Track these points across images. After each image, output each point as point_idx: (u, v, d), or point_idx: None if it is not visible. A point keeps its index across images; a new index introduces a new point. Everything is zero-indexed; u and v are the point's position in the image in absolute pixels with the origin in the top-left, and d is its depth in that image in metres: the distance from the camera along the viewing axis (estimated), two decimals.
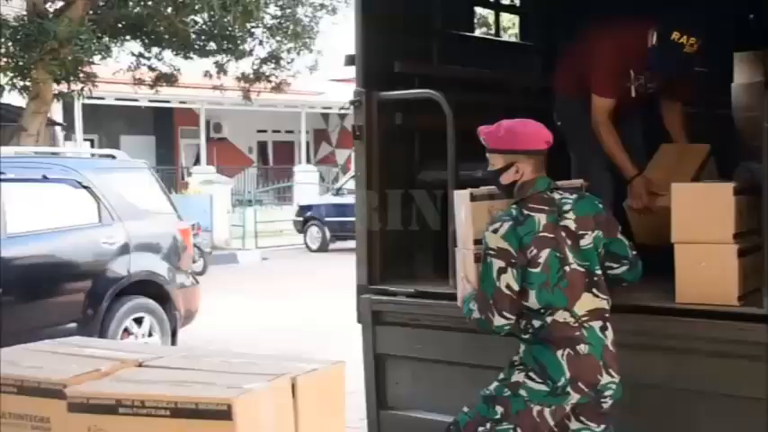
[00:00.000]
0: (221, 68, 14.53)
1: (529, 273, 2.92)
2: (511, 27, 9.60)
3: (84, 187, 6.51)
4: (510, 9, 5.72)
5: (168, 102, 20.98)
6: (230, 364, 2.12)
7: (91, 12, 12.03)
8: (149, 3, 12.37)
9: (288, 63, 14.85)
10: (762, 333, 3.10)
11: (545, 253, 2.93)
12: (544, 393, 2.90)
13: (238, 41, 14.24)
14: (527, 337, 2.98)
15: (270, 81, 15.01)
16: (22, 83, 11.26)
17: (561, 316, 2.93)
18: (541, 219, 2.96)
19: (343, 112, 25.83)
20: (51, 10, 11.69)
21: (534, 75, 5.02)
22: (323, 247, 17.58)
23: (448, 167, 3.73)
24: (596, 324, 2.93)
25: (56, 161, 6.84)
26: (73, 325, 6.14)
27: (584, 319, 2.91)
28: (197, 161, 22.82)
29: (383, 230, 4.01)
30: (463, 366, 3.73)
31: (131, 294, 6.64)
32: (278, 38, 14.38)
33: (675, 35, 3.67)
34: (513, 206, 3.03)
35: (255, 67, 14.81)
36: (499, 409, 2.96)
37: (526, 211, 2.98)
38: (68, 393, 1.93)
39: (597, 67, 3.91)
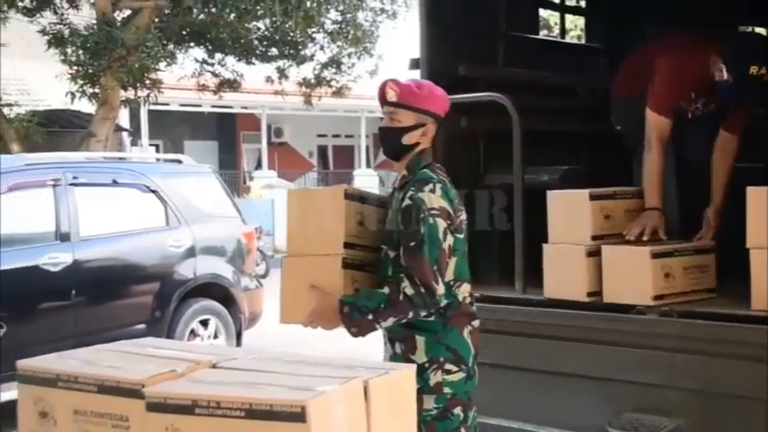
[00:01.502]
0: (283, 74, 14.67)
1: (456, 239, 2.78)
2: (572, 29, 9.50)
3: (152, 191, 6.64)
4: (575, 10, 5.66)
5: (231, 107, 21.27)
6: (302, 366, 2.13)
7: (157, 20, 12.27)
8: (213, 10, 12.55)
9: (348, 68, 14.93)
10: None
11: (463, 218, 2.85)
12: (464, 380, 2.79)
13: (299, 47, 14.37)
14: (432, 319, 2.75)
15: (331, 86, 15.11)
16: (91, 90, 11.52)
17: (466, 289, 2.85)
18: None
19: None
20: (119, 19, 11.95)
21: (600, 77, 4.96)
22: None
23: (514, 171, 3.71)
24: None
25: (125, 166, 6.98)
26: (142, 326, 6.27)
27: (474, 293, 2.87)
28: (258, 165, 23.08)
29: None
30: (529, 372, 3.70)
31: (197, 297, 6.75)
32: (339, 43, 14.47)
33: (754, 69, 3.52)
34: (426, 170, 2.84)
35: (316, 72, 14.93)
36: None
37: (441, 176, 2.87)
38: (146, 393, 1.96)
39: (658, 82, 3.76)
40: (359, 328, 2.73)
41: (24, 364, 2.16)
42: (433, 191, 2.76)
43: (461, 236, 2.81)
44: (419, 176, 2.82)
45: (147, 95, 12.23)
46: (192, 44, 14.11)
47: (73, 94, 11.45)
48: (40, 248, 5.83)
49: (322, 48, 14.75)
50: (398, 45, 20.69)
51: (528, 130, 3.70)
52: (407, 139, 2.86)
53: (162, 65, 12.25)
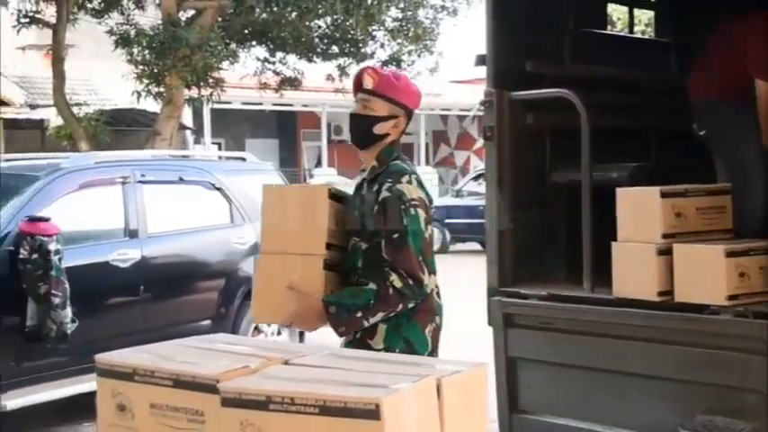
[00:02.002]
0: (343, 71, 14.73)
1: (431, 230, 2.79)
2: (636, 23, 9.33)
3: (217, 189, 6.72)
4: (645, 4, 5.56)
5: (291, 105, 21.44)
6: (374, 364, 2.13)
7: (220, 19, 12.43)
8: (275, 9, 12.67)
9: (408, 65, 14.92)
10: None
11: (433, 211, 2.84)
12: None
13: (360, 44, 14.42)
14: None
15: None
16: (156, 89, 11.74)
17: (434, 282, 2.81)
18: None
19: (462, 113, 25.79)
20: (183, 19, 12.14)
21: (670, 73, 4.86)
22: (443, 249, 17.58)
23: (582, 168, 3.66)
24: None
25: (190, 164, 7.08)
26: (207, 323, 6.35)
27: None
28: (318, 163, 23.25)
29: (514, 232, 3.97)
30: (597, 372, 3.65)
31: None
32: (399, 40, 14.47)
33: None
34: (399, 162, 2.83)
35: None
36: None
37: (413, 167, 2.85)
38: (221, 388, 1.98)
39: (761, 49, 3.62)
40: (347, 326, 2.72)
41: (102, 358, 2.21)
42: (410, 182, 2.76)
43: (431, 231, 2.81)
44: (393, 168, 2.81)
45: (210, 94, 12.41)
46: (253, 43, 14.26)
47: (139, 93, 11.68)
48: (110, 245, 5.94)
49: (382, 45, 14.77)
50: (458, 42, 20.65)
51: (596, 127, 3.65)
52: (379, 129, 2.83)
53: (224, 64, 12.40)
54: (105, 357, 2.21)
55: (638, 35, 7.00)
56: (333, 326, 2.72)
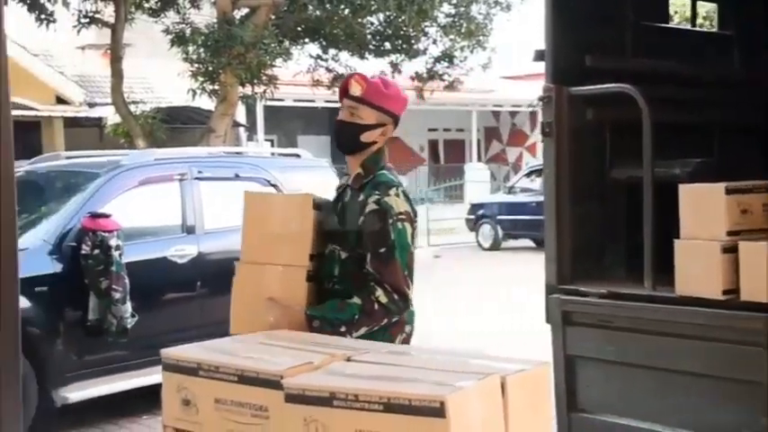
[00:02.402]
0: (396, 68, 14.73)
1: None
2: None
3: (272, 185, 6.76)
4: None
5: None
6: (436, 361, 2.12)
7: (273, 17, 12.52)
8: (328, 6, 12.72)
9: (461, 61, 14.86)
10: None
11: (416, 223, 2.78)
12: None
13: (412, 41, 14.40)
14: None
15: (443, 80, 15.07)
16: (211, 87, 11.86)
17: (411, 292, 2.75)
18: None
19: (513, 109, 25.61)
20: (238, 17, 12.25)
21: (732, 66, 4.76)
22: (495, 246, 17.50)
23: (644, 165, 3.60)
24: None
25: (246, 160, 7.14)
26: None
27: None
28: None
29: (573, 229, 3.93)
30: (658, 371, 3.59)
31: None
32: (451, 36, 14.42)
33: None
34: (385, 172, 2.77)
35: (429, 66, 14.92)
36: None
37: (398, 179, 2.79)
38: (285, 385, 1.98)
39: None
40: None
41: (168, 352, 2.23)
42: (397, 195, 2.71)
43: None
44: (381, 179, 2.75)
45: (264, 91, 12.50)
46: (306, 40, 14.33)
47: (194, 91, 11.82)
48: (168, 241, 6.03)
49: (435, 42, 14.73)
50: (511, 37, 20.50)
51: (657, 122, 3.59)
52: (366, 137, 2.76)
53: (278, 61, 12.48)
54: (170, 352, 2.24)
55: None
56: None
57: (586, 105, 3.95)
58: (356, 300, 2.65)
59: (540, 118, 4.00)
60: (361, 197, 2.73)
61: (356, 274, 2.70)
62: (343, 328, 2.64)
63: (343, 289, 2.73)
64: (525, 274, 12.34)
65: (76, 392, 5.38)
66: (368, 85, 2.75)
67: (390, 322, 2.71)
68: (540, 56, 3.96)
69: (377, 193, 2.70)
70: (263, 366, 2.08)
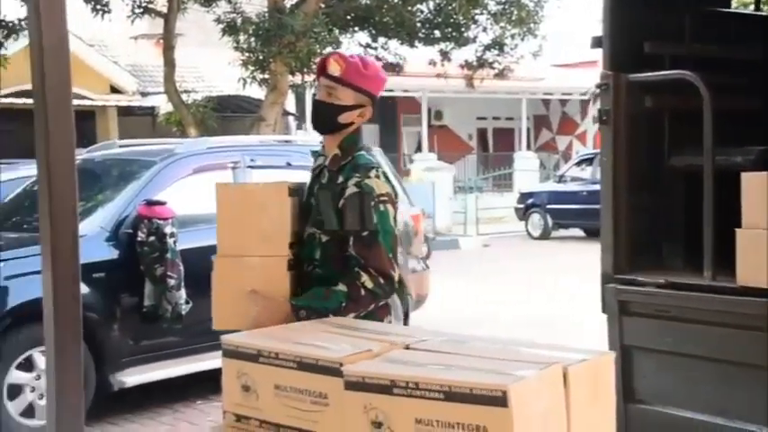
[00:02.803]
0: (445, 56, 14.66)
1: None
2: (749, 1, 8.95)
3: None
4: None
5: (392, 90, 21.47)
6: (496, 350, 2.11)
7: (323, 5, 12.54)
8: None
9: (511, 49, 14.74)
10: None
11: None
12: None
13: (462, 29, 14.32)
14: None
15: (493, 68, 14.97)
16: (261, 76, 11.94)
17: (397, 275, 2.70)
18: None
19: (564, 97, 25.34)
20: (288, 6, 12.30)
21: None
22: (544, 235, 17.37)
23: (704, 153, 3.53)
24: None
25: (297, 149, 7.15)
26: None
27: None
28: (418, 148, 23.24)
29: (630, 218, 3.87)
30: (716, 362, 3.53)
31: None
32: (502, 24, 14.31)
33: None
34: (364, 153, 2.71)
35: (479, 54, 14.83)
36: None
37: (377, 159, 2.73)
38: (345, 372, 1.98)
39: None
40: None
41: (228, 339, 2.25)
42: (378, 176, 2.65)
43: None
44: (361, 161, 2.68)
45: (314, 80, 12.53)
46: (356, 29, 14.34)
47: (244, 79, 11.91)
48: None
49: (485, 29, 14.63)
50: (562, 25, 20.25)
51: (718, 109, 3.51)
52: (344, 119, 2.69)
53: (328, 50, 12.50)
54: (231, 339, 2.25)
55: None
56: None
57: (645, 92, 3.87)
58: (341, 287, 2.60)
59: (591, 106, 3.98)
60: (341, 179, 2.67)
61: (337, 257, 2.66)
62: (330, 317, 2.59)
63: (324, 273, 2.68)
64: (575, 263, 12.23)
65: (132, 377, 5.47)
66: (347, 65, 2.66)
67: (377, 306, 2.68)
68: (597, 42, 3.90)
69: (357, 175, 2.65)
70: (322, 353, 2.08)
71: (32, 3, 2.80)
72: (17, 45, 11.90)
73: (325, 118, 2.71)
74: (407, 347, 2.18)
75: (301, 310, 2.61)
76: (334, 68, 2.66)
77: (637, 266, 3.84)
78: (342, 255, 2.65)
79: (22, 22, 10.89)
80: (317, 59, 2.75)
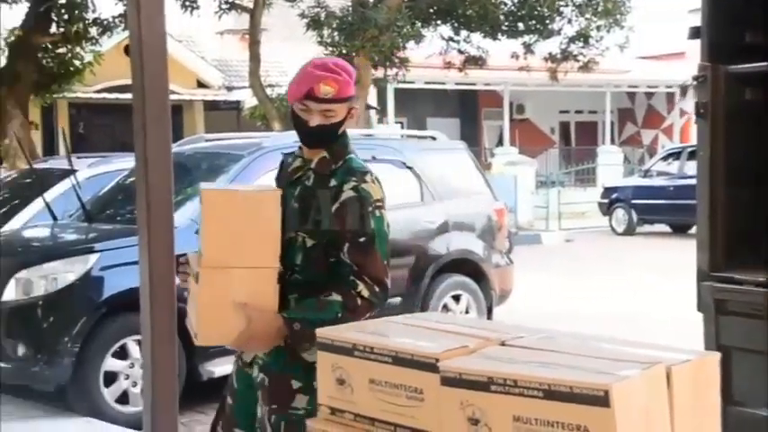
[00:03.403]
0: (528, 49, 14.50)
1: None
2: None
3: (408, 168, 6.78)
4: None
5: (474, 84, 21.36)
6: (595, 349, 2.06)
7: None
8: None
9: (596, 41, 14.48)
10: None
11: None
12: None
13: (546, 21, 14.14)
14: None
15: (577, 60, 14.73)
16: None
17: None
18: None
19: (650, 90, 24.77)
20: (371, 0, 12.34)
21: None
22: (629, 230, 17.02)
23: None
24: None
25: (382, 143, 7.18)
26: (397, 299, 6.43)
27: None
28: (499, 142, 23.05)
29: (727, 213, 3.75)
30: None
31: (450, 272, 6.83)
32: (587, 15, 14.07)
33: None
34: (354, 156, 2.59)
35: (563, 47, 14.61)
36: None
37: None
38: (442, 368, 1.97)
39: None
40: (312, 343, 2.34)
41: (323, 332, 2.25)
42: (374, 182, 2.55)
43: None
44: (353, 164, 2.58)
45: (396, 74, 12.56)
46: (438, 22, 14.29)
47: None
48: None
49: (570, 21, 14.41)
50: (651, 15, 19.78)
51: None
52: (341, 129, 2.60)
53: (410, 44, 12.51)
54: (325, 332, 2.26)
55: None
56: (295, 343, 2.50)
57: (744, 84, 3.75)
58: (336, 296, 2.49)
59: (678, 99, 3.83)
60: (333, 183, 2.55)
61: (321, 261, 2.55)
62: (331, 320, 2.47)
63: (303, 278, 2.57)
64: (661, 259, 11.96)
65: (221, 367, 5.57)
66: (338, 84, 2.52)
67: (371, 315, 2.56)
68: (695, 33, 3.78)
69: (353, 179, 2.53)
70: (418, 349, 2.07)
71: (133, 0, 2.87)
72: (110, 42, 12.25)
73: (325, 137, 2.58)
74: (503, 344, 2.15)
75: (295, 322, 2.49)
76: (327, 91, 2.52)
77: (734, 264, 3.71)
78: (326, 260, 2.55)
79: (116, 20, 11.20)
80: (302, 85, 2.55)
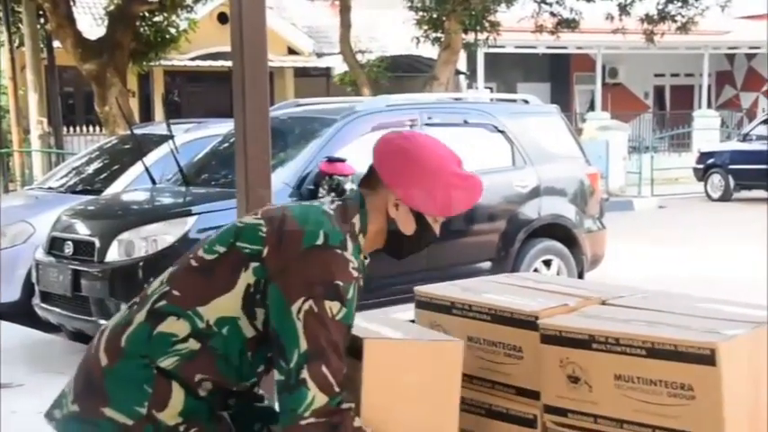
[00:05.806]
0: (624, 10, 14.10)
1: None
2: None
3: (500, 131, 6.72)
4: None
5: (565, 48, 20.93)
6: (699, 308, 2.04)
7: None
8: None
9: (696, 0, 13.98)
10: None
11: None
12: None
13: None
14: None
15: (675, 21, 14.26)
16: (434, 34, 11.94)
17: None
18: None
19: (751, 51, 23.83)
20: None
21: None
22: (725, 197, 16.49)
23: None
24: None
25: (474, 106, 7.12)
26: (488, 264, 6.43)
27: None
28: (591, 107, 22.57)
29: None
30: None
31: (540, 237, 6.77)
32: None
33: None
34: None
35: (660, 7, 14.16)
36: None
37: None
38: (541, 325, 1.98)
39: None
40: None
41: (421, 290, 2.29)
42: None
43: None
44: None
45: (487, 38, 12.41)
46: None
47: (418, 38, 11.95)
48: None
49: None
50: None
51: None
52: None
53: (501, 7, 12.33)
54: (424, 290, 2.29)
55: None
56: None
57: None
58: None
59: None
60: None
61: None
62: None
63: None
64: (758, 226, 11.58)
65: None
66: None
67: None
68: None
69: None
70: (517, 306, 2.08)
71: None
72: (204, 10, 12.45)
73: (408, 248, 2.15)
74: (603, 303, 2.14)
75: None
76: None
77: None
78: None
79: None
80: (461, 204, 2.15)
